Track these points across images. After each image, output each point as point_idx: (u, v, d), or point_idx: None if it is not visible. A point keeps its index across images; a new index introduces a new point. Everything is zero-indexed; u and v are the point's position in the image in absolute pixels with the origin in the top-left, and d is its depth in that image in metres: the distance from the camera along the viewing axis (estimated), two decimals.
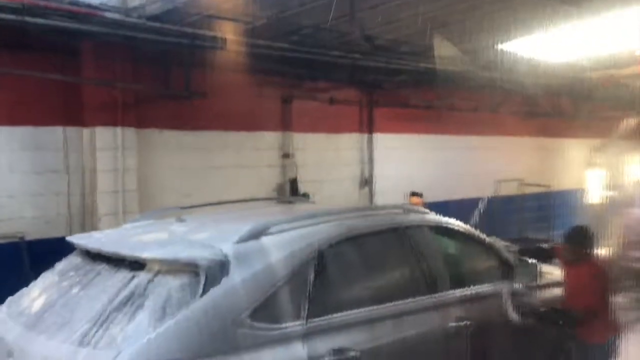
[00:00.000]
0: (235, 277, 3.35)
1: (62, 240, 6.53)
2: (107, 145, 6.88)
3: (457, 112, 10.45)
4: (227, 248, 3.46)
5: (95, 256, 3.77)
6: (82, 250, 3.94)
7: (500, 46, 7.95)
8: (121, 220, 6.71)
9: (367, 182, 10.20)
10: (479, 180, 11.02)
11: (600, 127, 12.26)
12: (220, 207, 4.94)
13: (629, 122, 11.98)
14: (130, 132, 7.07)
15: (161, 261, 3.41)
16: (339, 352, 3.50)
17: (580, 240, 4.69)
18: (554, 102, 11.37)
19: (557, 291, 4.88)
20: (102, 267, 3.63)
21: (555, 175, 12.23)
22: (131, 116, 7.08)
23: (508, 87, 9.49)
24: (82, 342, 3.13)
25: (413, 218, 4.47)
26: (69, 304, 3.48)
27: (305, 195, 8.63)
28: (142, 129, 7.29)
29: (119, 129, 6.95)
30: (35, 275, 5.67)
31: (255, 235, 3.61)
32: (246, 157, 8.53)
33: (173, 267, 3.37)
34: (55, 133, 6.77)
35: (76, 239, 4.07)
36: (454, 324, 4.15)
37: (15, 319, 3.65)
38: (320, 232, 3.84)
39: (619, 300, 5.57)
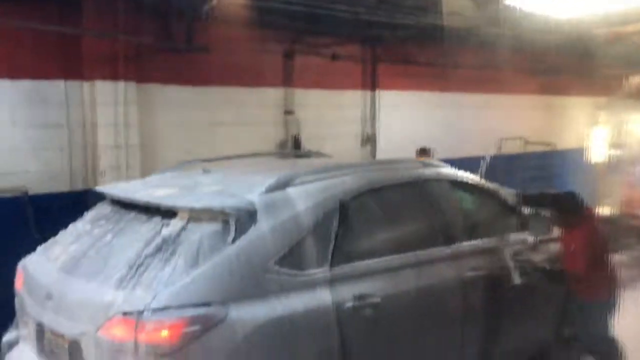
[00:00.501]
0: (263, 225, 3.48)
1: (65, 195, 6.66)
2: (108, 100, 6.83)
3: (461, 69, 10.40)
4: (255, 198, 3.59)
5: (126, 205, 3.92)
6: (112, 200, 4.08)
7: (505, 2, 7.92)
8: (124, 175, 6.80)
9: (369, 139, 10.18)
10: (483, 139, 11.00)
11: (605, 85, 12.27)
12: (240, 160, 5.00)
13: (634, 80, 12.01)
14: (131, 87, 7.02)
15: (193, 210, 3.54)
16: (361, 297, 3.64)
17: (571, 207, 4.75)
18: (559, 59, 11.34)
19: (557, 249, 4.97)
20: (133, 216, 3.78)
21: (559, 133, 12.28)
22: (132, 70, 7.02)
23: (513, 44, 9.45)
24: (120, 285, 3.28)
25: (431, 171, 4.57)
26: (103, 250, 3.63)
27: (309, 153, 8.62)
28: (143, 83, 7.23)
29: (120, 83, 6.89)
30: (38, 230, 5.80)
31: (281, 186, 3.72)
32: (248, 113, 8.49)
33: (204, 215, 3.51)
34: (57, 86, 6.69)
35: (107, 189, 4.26)
36: (469, 274, 4.26)
37: (51, 264, 3.81)
38: (343, 184, 3.95)
39: (622, 258, 5.66)
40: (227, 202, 3.55)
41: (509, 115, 11.79)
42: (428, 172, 4.57)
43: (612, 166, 11.24)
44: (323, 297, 3.52)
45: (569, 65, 11.67)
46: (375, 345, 3.71)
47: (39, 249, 4.14)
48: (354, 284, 3.67)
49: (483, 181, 4.90)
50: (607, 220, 9.16)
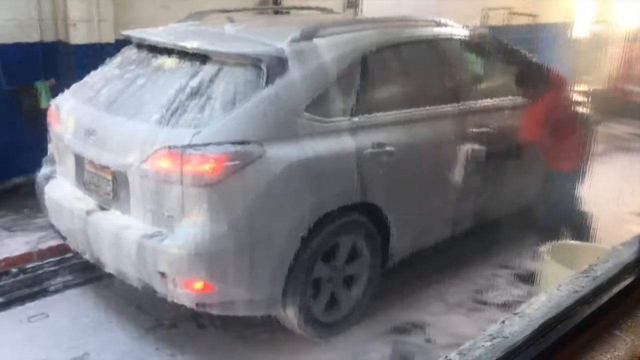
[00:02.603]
0: (293, 73, 3.97)
1: (35, 45, 6.85)
2: None
3: None
4: (285, 47, 4.04)
5: (156, 50, 4.32)
6: (139, 45, 4.48)
7: None
8: (96, 28, 6.88)
9: (353, 3, 10.52)
10: (468, 8, 11.36)
11: None
12: (257, 14, 5.41)
13: None
14: None
15: (228, 55, 4.00)
16: (380, 145, 4.23)
17: (532, 80, 5.20)
18: None
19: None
20: (165, 60, 4.23)
21: (545, 5, 12.73)
22: None
23: None
24: (162, 122, 3.79)
25: (446, 30, 5.08)
26: (140, 92, 4.10)
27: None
28: None
29: None
30: (8, 80, 6.13)
31: (308, 36, 4.17)
32: None
33: (238, 61, 3.98)
34: None
35: (136, 33, 4.61)
36: (476, 130, 4.90)
37: (87, 103, 4.27)
38: (365, 37, 4.43)
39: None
40: (260, 49, 4.03)
41: None
42: (442, 31, 5.08)
43: (593, 42, 11.79)
44: (346, 143, 4.09)
45: None
46: (389, 187, 4.36)
47: (70, 89, 4.60)
48: (373, 133, 4.23)
49: (494, 40, 5.45)
50: (591, 94, 9.78)
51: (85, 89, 4.47)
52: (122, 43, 6.76)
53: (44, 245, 5.22)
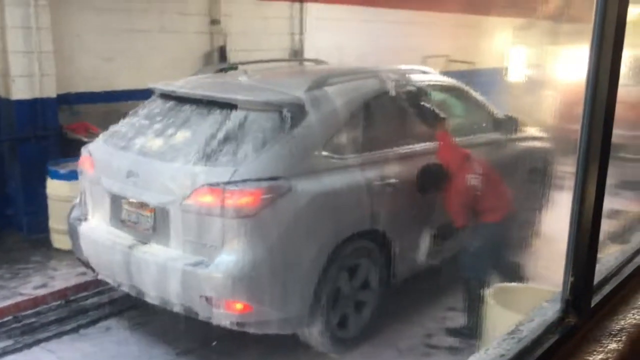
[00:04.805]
0: (310, 117, 4.90)
1: None
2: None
3: None
4: (302, 95, 4.98)
5: (182, 100, 5.20)
6: (165, 95, 5.33)
7: None
8: (37, 83, 7.32)
9: (296, 53, 11.43)
10: (408, 55, 12.33)
11: (525, 6, 14.06)
12: (261, 66, 6.31)
13: (551, 3, 13.86)
14: None
15: (254, 103, 4.92)
16: (383, 178, 5.18)
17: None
18: None
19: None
20: (192, 109, 5.08)
21: (481, 53, 14.07)
22: None
23: None
24: (200, 163, 4.63)
25: (430, 78, 6.16)
26: (174, 138, 4.94)
27: (234, 67, 9.76)
28: None
29: None
30: None
31: (320, 85, 5.15)
32: (171, 21, 9.19)
33: (264, 108, 4.90)
34: None
35: (162, 85, 5.46)
36: None
37: (123, 149, 5.05)
38: (367, 85, 5.43)
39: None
40: (282, 97, 4.98)
41: (433, 33, 13.40)
42: (428, 78, 6.14)
43: (528, 86, 13.07)
44: (357, 176, 5.03)
45: None
46: (392, 212, 5.27)
47: (99, 138, 5.41)
48: (378, 167, 5.19)
49: (468, 88, 6.54)
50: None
51: (116, 138, 5.26)
52: (64, 97, 7.64)
53: None
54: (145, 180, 4.86)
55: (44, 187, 7.00)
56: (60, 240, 6.84)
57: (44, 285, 6.13)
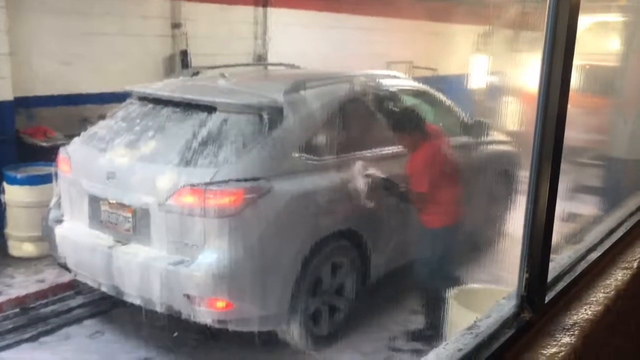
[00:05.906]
0: (288, 119, 5.13)
1: None
2: None
3: None
4: (280, 98, 5.19)
5: (161, 102, 5.39)
6: (141, 98, 5.51)
7: None
8: None
9: (260, 57, 11.60)
10: (371, 61, 12.54)
11: (487, 14, 14.44)
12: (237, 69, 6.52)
13: (512, 10, 14.30)
14: None
15: (234, 106, 5.14)
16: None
17: (411, 128, 5.57)
18: None
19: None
20: (172, 112, 5.28)
21: (443, 59, 14.46)
22: None
23: None
24: (181, 164, 4.82)
25: (402, 82, 6.45)
26: (155, 140, 5.11)
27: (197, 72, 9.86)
28: None
29: None
30: None
31: (297, 88, 5.39)
32: (132, 24, 9.33)
33: (243, 110, 5.12)
34: None
35: (139, 88, 5.63)
36: None
37: (102, 151, 5.21)
38: (342, 89, 5.69)
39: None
40: (261, 100, 5.19)
41: (397, 40, 13.71)
42: (400, 82, 6.43)
43: (490, 92, 13.42)
44: (333, 177, 5.28)
45: None
46: (366, 213, 5.46)
47: (77, 140, 5.55)
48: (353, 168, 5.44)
49: (438, 93, 6.84)
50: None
51: (95, 140, 5.42)
52: (21, 100, 7.72)
53: None
54: (125, 182, 5.04)
55: (0, 192, 7.02)
56: (17, 248, 6.95)
57: (0, 293, 6.18)
